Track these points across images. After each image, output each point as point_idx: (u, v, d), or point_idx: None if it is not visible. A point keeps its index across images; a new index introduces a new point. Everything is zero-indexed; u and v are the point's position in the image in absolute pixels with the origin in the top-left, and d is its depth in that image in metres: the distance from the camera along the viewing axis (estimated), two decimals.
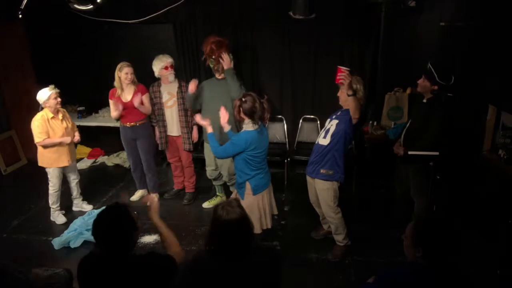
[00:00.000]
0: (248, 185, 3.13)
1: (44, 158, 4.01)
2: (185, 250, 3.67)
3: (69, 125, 4.08)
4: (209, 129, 3.20)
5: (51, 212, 4.22)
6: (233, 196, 3.42)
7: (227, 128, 3.27)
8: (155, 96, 4.26)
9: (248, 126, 3.04)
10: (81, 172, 5.51)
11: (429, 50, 4.32)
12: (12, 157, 5.64)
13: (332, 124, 3.31)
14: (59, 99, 3.91)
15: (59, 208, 4.24)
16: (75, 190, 4.39)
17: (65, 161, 4.07)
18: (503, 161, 3.44)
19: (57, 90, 3.91)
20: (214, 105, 3.70)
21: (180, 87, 4.21)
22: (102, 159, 5.90)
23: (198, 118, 3.40)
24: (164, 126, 4.35)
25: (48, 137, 3.90)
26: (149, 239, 3.90)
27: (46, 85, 5.62)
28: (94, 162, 5.84)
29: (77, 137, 4.16)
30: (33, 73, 5.62)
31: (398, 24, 4.47)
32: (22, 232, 4.08)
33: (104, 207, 2.01)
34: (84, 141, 5.99)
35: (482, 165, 3.69)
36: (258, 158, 3.09)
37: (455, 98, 3.41)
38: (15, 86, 5.55)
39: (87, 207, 4.46)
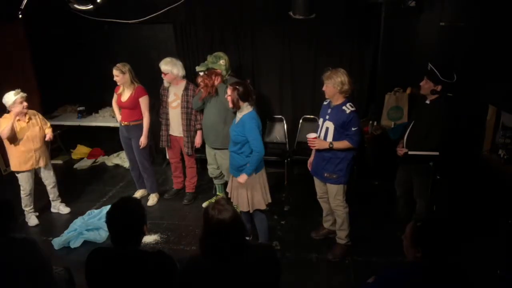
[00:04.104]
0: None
1: (12, 161, 3.97)
2: (185, 250, 3.73)
3: (37, 127, 3.97)
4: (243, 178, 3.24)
5: (25, 213, 4.19)
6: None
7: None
8: (164, 94, 4.29)
9: (248, 108, 3.22)
10: (81, 172, 5.55)
11: (429, 50, 4.32)
12: None
13: (328, 127, 3.30)
14: (25, 103, 3.81)
15: (32, 210, 4.20)
16: (51, 193, 4.33)
17: (34, 164, 4.00)
18: (503, 161, 3.44)
19: (23, 94, 3.82)
20: (210, 116, 3.96)
21: (185, 89, 4.18)
22: (102, 159, 5.90)
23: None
24: (167, 125, 4.35)
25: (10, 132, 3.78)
26: (149, 239, 3.91)
27: (46, 85, 5.63)
28: (94, 162, 5.84)
29: (48, 135, 4.07)
30: (33, 73, 5.62)
31: (398, 24, 4.47)
32: (22, 232, 4.07)
33: (118, 198, 2.11)
34: (84, 141, 6.02)
35: (482, 165, 3.69)
36: (260, 135, 3.26)
37: (455, 98, 3.40)
38: (15, 86, 5.52)
39: (65, 209, 4.42)
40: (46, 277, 2.29)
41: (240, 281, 1.88)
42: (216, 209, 1.87)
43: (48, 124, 4.21)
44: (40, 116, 4.14)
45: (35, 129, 3.98)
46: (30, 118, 3.96)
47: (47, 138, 4.10)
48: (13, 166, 4.01)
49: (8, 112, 3.85)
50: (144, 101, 4.19)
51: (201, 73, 3.92)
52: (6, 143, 3.90)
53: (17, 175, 4.04)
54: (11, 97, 3.77)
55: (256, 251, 1.98)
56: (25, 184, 4.06)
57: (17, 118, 3.84)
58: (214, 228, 1.86)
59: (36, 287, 2.18)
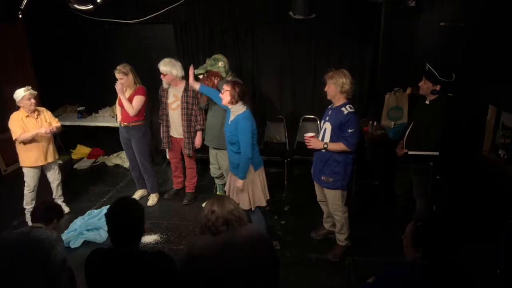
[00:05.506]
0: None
1: (21, 157, 4.03)
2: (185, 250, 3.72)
3: (46, 123, 4.05)
4: (240, 183, 3.29)
5: (26, 212, 4.17)
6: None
7: (197, 87, 3.73)
8: (163, 95, 4.28)
9: (243, 108, 3.24)
10: (81, 172, 5.55)
11: (429, 50, 4.32)
12: (12, 157, 5.60)
13: (326, 127, 3.30)
14: (33, 101, 3.91)
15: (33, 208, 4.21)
16: (55, 191, 4.36)
17: (38, 161, 4.05)
18: (503, 161, 3.44)
19: (32, 92, 3.92)
20: (212, 116, 4.02)
21: (185, 90, 4.16)
22: (102, 159, 5.90)
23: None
24: (167, 126, 4.35)
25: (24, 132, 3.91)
26: (149, 239, 3.91)
27: (46, 85, 5.63)
28: (94, 162, 5.84)
29: (54, 125, 4.07)
30: (33, 73, 5.61)
31: (398, 24, 4.46)
32: None
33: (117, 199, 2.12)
34: (84, 141, 6.02)
35: (482, 165, 3.69)
36: (256, 135, 3.28)
37: (455, 98, 3.40)
38: (15, 86, 5.54)
39: (65, 209, 4.38)
40: (56, 273, 2.39)
41: (240, 281, 1.88)
42: (215, 199, 2.02)
43: (57, 120, 4.26)
44: (49, 113, 4.19)
45: (44, 125, 4.03)
46: (39, 115, 4.03)
47: (52, 130, 4.04)
48: (22, 162, 4.06)
49: (18, 108, 3.95)
50: (137, 99, 4.12)
51: (201, 76, 3.94)
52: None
53: (23, 170, 4.07)
54: (20, 93, 3.89)
55: (255, 249, 1.97)
56: (30, 180, 4.08)
57: (26, 115, 3.93)
58: (217, 210, 1.94)
59: (41, 276, 2.32)
